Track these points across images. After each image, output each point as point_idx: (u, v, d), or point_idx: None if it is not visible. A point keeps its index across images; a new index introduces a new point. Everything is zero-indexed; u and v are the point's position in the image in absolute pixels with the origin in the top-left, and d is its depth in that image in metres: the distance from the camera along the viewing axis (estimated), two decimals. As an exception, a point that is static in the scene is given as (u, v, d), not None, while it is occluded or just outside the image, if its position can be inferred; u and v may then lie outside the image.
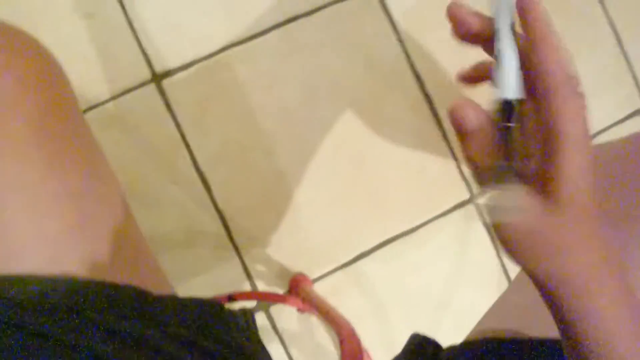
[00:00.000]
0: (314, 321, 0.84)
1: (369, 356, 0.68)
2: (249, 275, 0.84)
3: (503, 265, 0.88)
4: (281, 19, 0.86)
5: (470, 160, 0.30)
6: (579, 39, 0.93)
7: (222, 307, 0.41)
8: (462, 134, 0.29)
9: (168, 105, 0.84)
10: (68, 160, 0.37)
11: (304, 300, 0.78)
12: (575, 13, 0.94)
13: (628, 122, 0.94)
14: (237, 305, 0.83)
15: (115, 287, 0.35)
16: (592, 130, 0.91)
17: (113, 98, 0.82)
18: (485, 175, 0.29)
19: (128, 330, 0.34)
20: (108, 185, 0.40)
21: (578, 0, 0.94)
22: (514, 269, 0.88)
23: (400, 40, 0.88)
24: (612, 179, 0.54)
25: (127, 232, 0.40)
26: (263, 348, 0.45)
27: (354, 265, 0.85)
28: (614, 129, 0.93)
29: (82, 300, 0.33)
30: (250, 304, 0.83)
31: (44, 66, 0.40)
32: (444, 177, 0.87)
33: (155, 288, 0.38)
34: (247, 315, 0.44)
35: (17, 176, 0.35)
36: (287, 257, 0.84)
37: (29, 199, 0.34)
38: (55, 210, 0.35)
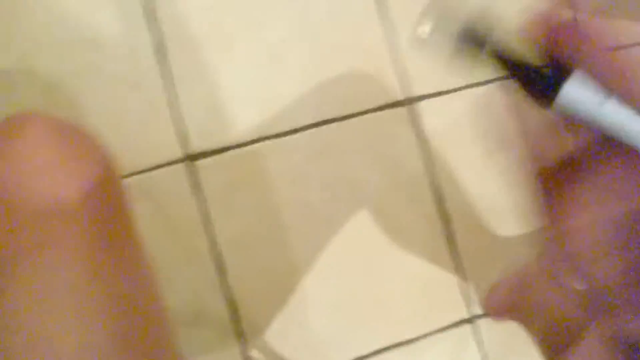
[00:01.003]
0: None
1: None
2: (248, 364, 0.86)
3: (491, 393, 0.92)
4: (317, 119, 0.89)
5: None
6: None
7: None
8: None
9: (195, 187, 0.85)
10: (118, 271, 0.39)
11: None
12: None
13: None
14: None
15: None
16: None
17: (141, 172, 0.83)
18: None
19: None
20: (151, 293, 0.42)
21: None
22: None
23: (427, 157, 0.92)
24: None
25: (167, 345, 0.42)
26: None
27: (350, 368, 0.88)
28: None
29: None
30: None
31: (106, 175, 0.41)
32: (446, 293, 0.91)
33: None
34: None
35: (69, 299, 0.36)
36: (289, 350, 0.87)
37: (77, 308, 0.36)
38: (101, 320, 0.36)
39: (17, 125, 0.40)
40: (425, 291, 0.91)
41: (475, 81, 0.95)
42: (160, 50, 0.84)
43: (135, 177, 0.83)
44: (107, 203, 0.41)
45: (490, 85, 0.95)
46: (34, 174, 0.37)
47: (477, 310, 0.92)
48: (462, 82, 0.94)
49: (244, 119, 0.87)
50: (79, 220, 0.38)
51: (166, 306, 0.44)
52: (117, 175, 0.44)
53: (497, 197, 0.93)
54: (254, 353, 0.86)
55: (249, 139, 0.87)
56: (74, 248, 0.37)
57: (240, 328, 0.86)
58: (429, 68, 0.92)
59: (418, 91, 0.92)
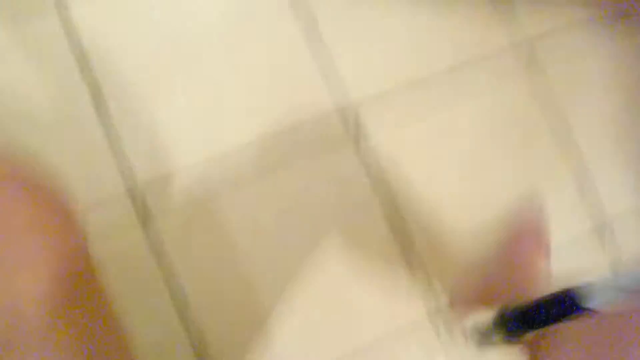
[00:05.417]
0: None
1: None
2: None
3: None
4: (263, 165, 0.90)
5: None
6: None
7: None
8: None
9: (146, 225, 0.86)
10: (85, 339, 0.39)
11: None
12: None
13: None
14: None
15: None
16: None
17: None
18: None
19: None
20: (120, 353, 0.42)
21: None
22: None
23: (376, 179, 0.92)
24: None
25: None
26: None
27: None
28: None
29: None
30: None
31: (66, 227, 0.40)
32: (410, 311, 0.91)
33: None
34: None
35: None
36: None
37: None
38: None
39: None
40: (391, 306, 0.90)
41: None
42: (98, 100, 0.86)
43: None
44: (69, 261, 0.39)
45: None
46: (12, 270, 0.35)
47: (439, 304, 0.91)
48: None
49: (181, 149, 0.88)
50: (41, 278, 0.36)
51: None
52: (79, 229, 0.42)
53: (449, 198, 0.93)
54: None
55: (189, 163, 0.88)
56: (42, 343, 0.36)
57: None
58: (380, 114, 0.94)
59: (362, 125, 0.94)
